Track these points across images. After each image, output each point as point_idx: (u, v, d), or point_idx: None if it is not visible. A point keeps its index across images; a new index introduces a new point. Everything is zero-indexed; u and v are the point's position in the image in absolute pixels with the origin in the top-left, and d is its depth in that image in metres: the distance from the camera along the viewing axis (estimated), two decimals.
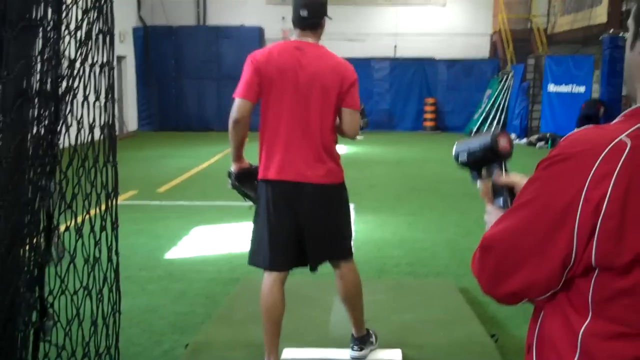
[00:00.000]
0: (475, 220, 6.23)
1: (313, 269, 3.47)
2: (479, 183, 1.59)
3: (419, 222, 7.40)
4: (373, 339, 3.76)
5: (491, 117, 17.31)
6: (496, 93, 17.39)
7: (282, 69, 3.26)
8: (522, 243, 1.22)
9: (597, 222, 1.13)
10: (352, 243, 3.55)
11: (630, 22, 1.25)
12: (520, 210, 1.24)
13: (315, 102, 3.27)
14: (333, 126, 3.35)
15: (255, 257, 3.42)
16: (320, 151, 3.29)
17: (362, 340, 3.68)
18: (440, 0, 19.53)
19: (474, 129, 17.26)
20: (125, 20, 17.12)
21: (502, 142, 1.54)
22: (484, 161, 1.57)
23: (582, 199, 1.14)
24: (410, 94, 19.11)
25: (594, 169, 1.14)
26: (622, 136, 1.15)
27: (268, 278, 3.38)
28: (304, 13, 3.33)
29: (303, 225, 3.33)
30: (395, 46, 19.52)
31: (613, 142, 1.15)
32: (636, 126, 1.17)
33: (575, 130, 1.27)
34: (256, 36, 18.48)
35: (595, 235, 1.14)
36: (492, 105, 17.37)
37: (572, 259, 1.17)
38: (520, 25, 18.70)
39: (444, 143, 16.00)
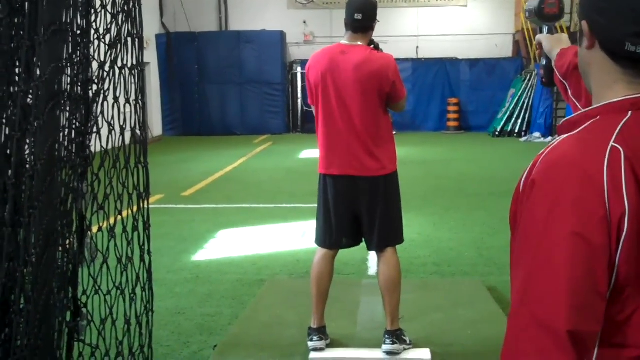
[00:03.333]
0: (502, 219, 6.19)
1: (371, 249, 3.80)
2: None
3: (445, 222, 7.36)
4: (407, 339, 3.77)
5: (515, 116, 17.15)
6: (520, 92, 17.21)
7: (323, 74, 3.53)
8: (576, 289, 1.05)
9: (620, 238, 1.04)
10: (402, 230, 3.78)
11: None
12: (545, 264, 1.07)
13: (358, 103, 3.51)
14: (378, 123, 3.57)
15: (315, 236, 3.85)
16: (365, 148, 3.55)
17: (396, 335, 3.70)
18: (462, 1, 19.43)
19: (498, 129, 17.13)
20: (148, 27, 17.21)
21: (548, 8, 1.99)
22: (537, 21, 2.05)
23: (608, 214, 1.04)
24: (433, 94, 18.98)
25: (605, 180, 1.04)
26: (612, 143, 1.07)
27: (318, 253, 3.79)
28: (358, 16, 3.51)
29: (355, 213, 3.65)
30: (417, 47, 19.44)
31: (608, 151, 1.06)
32: (618, 130, 1.09)
33: (546, 154, 1.13)
34: (278, 40, 18.51)
35: (618, 253, 1.05)
36: (516, 104, 17.19)
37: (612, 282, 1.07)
38: None
39: (468, 143, 15.93)
